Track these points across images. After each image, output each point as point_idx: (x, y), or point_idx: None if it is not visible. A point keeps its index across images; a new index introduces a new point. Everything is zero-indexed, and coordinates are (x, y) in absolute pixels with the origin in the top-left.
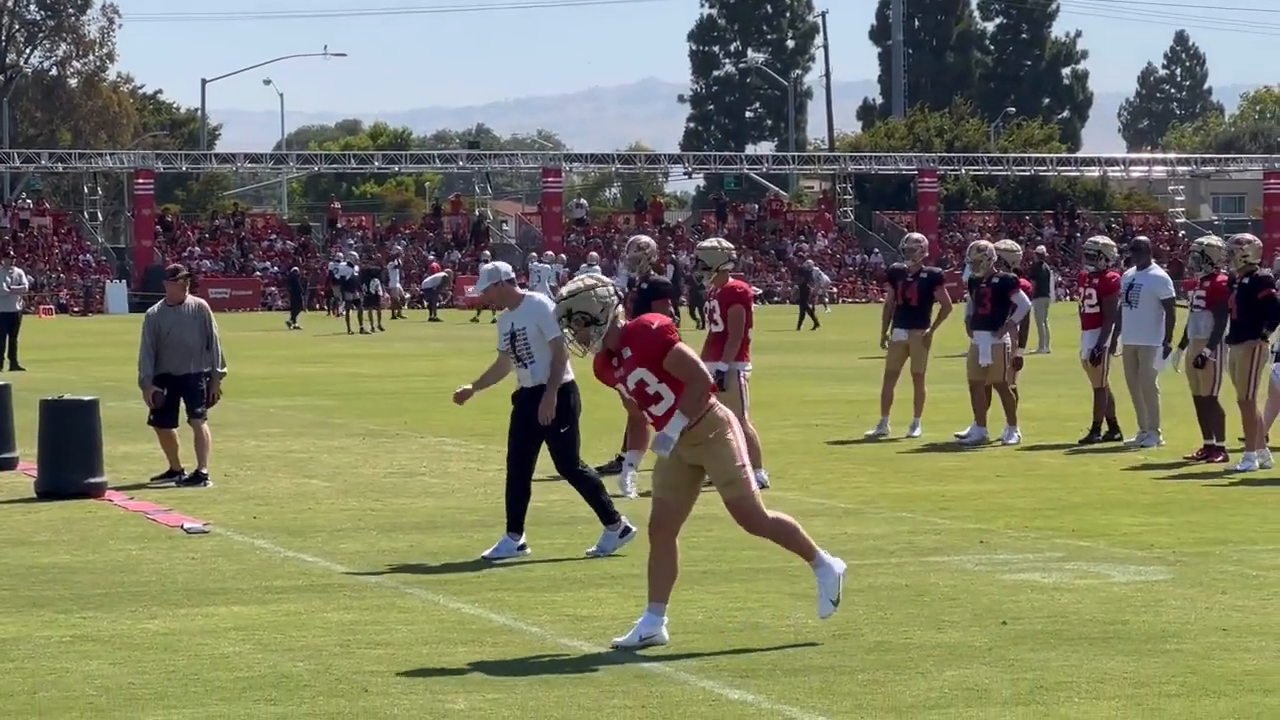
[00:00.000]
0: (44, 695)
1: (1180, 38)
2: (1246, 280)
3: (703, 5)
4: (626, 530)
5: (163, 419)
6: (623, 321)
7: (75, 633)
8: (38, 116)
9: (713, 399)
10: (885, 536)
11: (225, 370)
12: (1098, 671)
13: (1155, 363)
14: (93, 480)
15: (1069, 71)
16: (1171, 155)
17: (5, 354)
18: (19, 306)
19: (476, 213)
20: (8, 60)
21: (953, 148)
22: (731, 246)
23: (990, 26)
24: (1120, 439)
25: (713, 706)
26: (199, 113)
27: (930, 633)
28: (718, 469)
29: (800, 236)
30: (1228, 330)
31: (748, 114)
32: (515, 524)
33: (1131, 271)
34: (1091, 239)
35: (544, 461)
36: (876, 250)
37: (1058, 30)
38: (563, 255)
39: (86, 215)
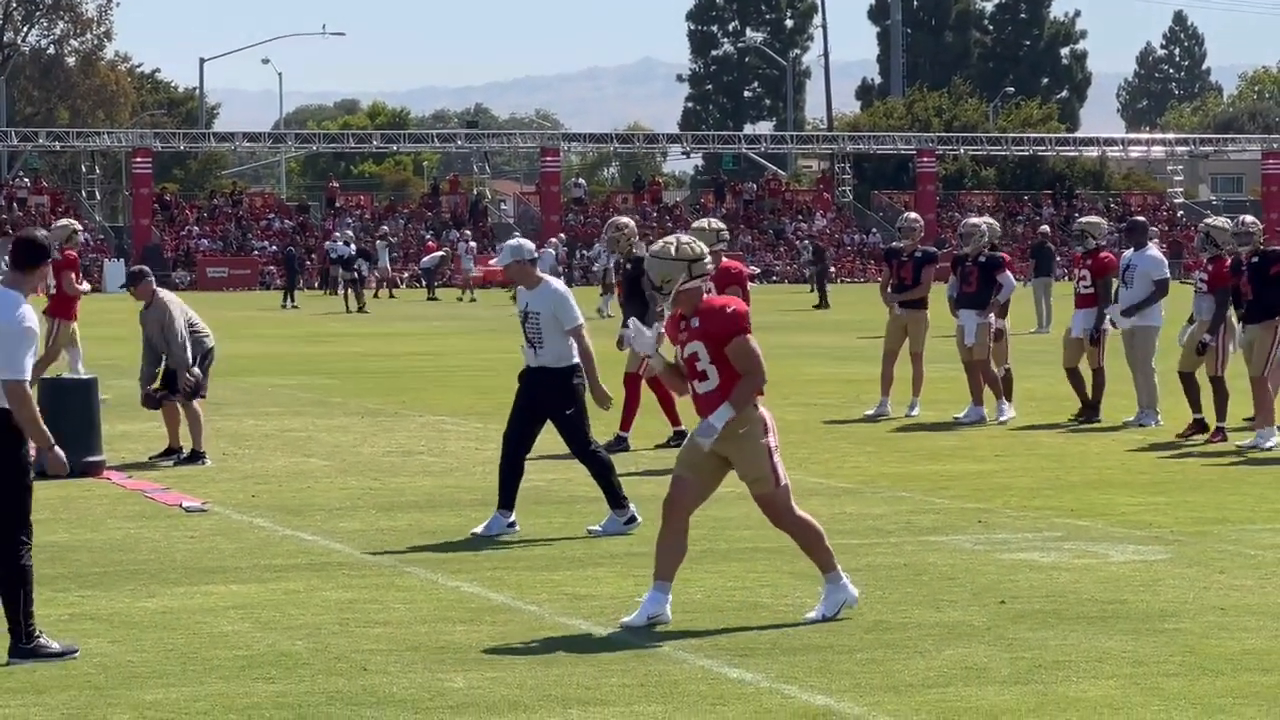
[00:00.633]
0: (43, 673)
1: (1179, 18)
2: (1256, 259)
3: None
4: (632, 519)
5: (151, 403)
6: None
7: (74, 611)
8: (35, 95)
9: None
10: (884, 516)
11: (192, 375)
12: (1096, 650)
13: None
14: (91, 459)
15: (1068, 51)
16: (1170, 135)
17: None
18: None
19: (475, 192)
20: (5, 38)
21: (951, 127)
22: (723, 226)
23: (989, 6)
24: (1099, 421)
25: (711, 685)
26: (197, 92)
27: (929, 612)
28: (745, 466)
29: (799, 216)
30: (1243, 310)
31: (746, 94)
32: (507, 501)
33: (1129, 252)
34: (1079, 219)
35: (546, 442)
36: (875, 230)
37: (1056, 10)
38: (561, 234)
39: (84, 194)
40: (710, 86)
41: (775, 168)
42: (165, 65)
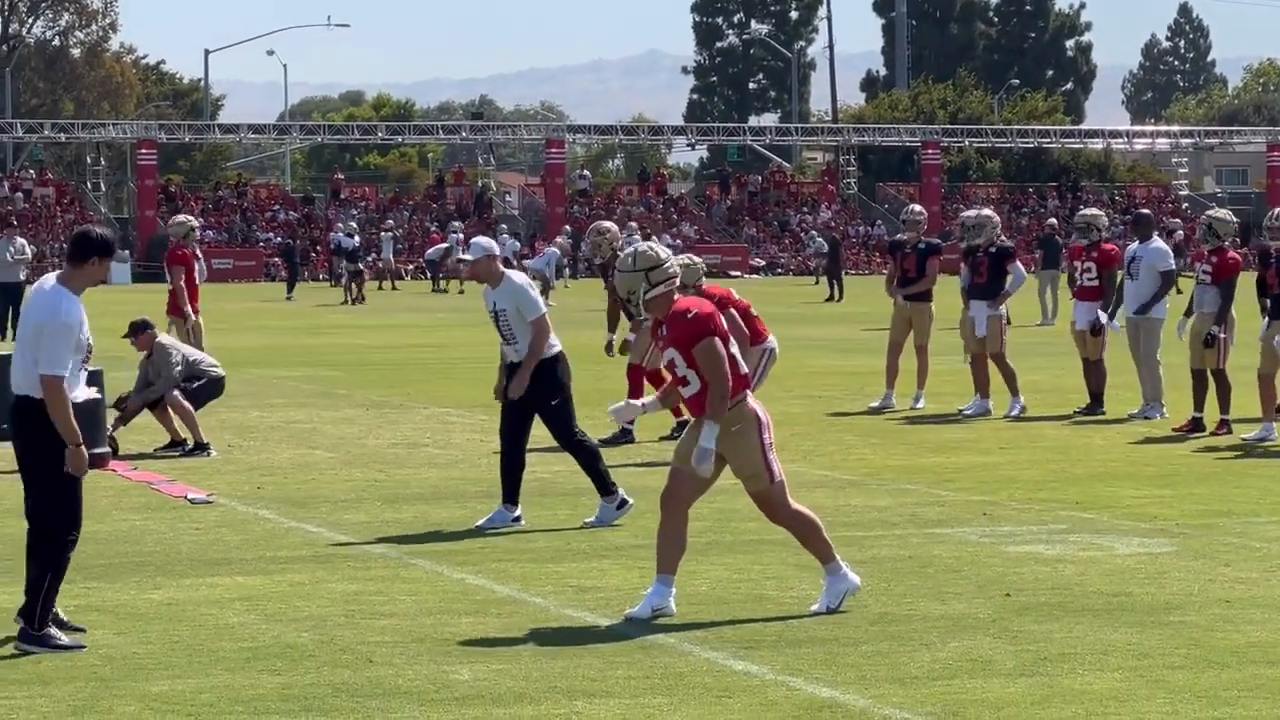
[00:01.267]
0: (48, 665)
1: (1184, 10)
2: None
3: None
4: (624, 502)
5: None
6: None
7: (80, 603)
8: (40, 86)
9: (745, 392)
10: (888, 508)
11: (150, 395)
12: (1101, 643)
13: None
14: (96, 451)
15: (1073, 44)
16: (1175, 128)
17: (8, 324)
18: (22, 276)
19: (479, 184)
20: (10, 30)
21: (956, 120)
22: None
23: None
24: (1103, 413)
25: (717, 677)
26: (202, 83)
27: (934, 604)
28: (739, 462)
29: (804, 208)
30: (1270, 306)
31: (751, 85)
32: (510, 495)
33: (1134, 245)
34: (1081, 212)
35: (547, 433)
36: (879, 222)
37: (1061, 2)
38: (566, 227)
39: (89, 186)
40: (715, 78)
41: (780, 160)
42: (170, 57)
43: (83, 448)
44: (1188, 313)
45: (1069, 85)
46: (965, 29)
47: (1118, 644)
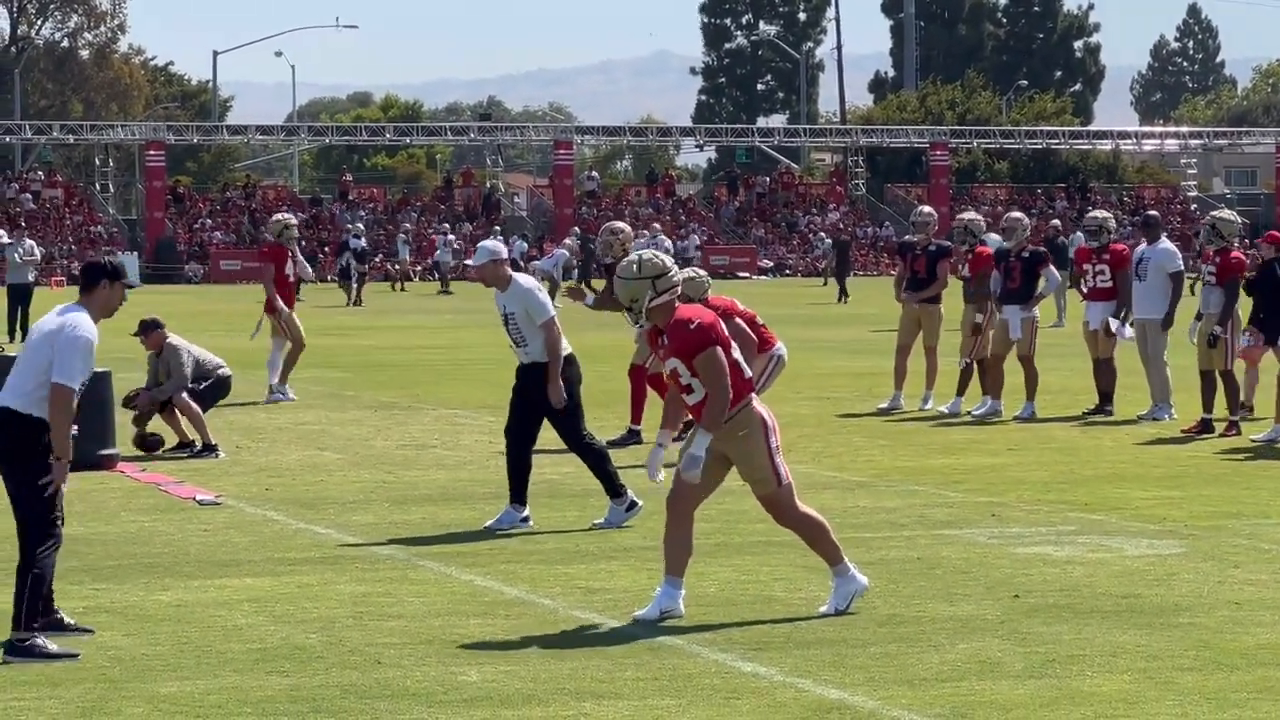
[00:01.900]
0: (57, 666)
1: (1193, 10)
2: None
3: None
4: (633, 504)
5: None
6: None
7: (88, 604)
8: (49, 88)
9: (750, 396)
10: (897, 510)
11: (159, 395)
12: (1110, 645)
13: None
14: (105, 452)
15: (1081, 44)
16: (1184, 129)
17: (18, 325)
18: (31, 278)
19: (488, 185)
20: (19, 32)
21: (964, 121)
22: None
23: None
24: (1111, 414)
25: (725, 679)
26: (210, 85)
27: (942, 606)
28: (747, 466)
29: (812, 210)
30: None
31: (759, 87)
32: (518, 495)
33: (1142, 246)
34: (1091, 214)
35: (555, 434)
36: (888, 223)
37: (1070, 3)
38: (575, 228)
39: (98, 187)
40: (724, 80)
41: (788, 161)
42: (179, 58)
43: (68, 461)
44: (1198, 315)
45: (1077, 86)
46: (974, 30)
47: (1127, 646)
